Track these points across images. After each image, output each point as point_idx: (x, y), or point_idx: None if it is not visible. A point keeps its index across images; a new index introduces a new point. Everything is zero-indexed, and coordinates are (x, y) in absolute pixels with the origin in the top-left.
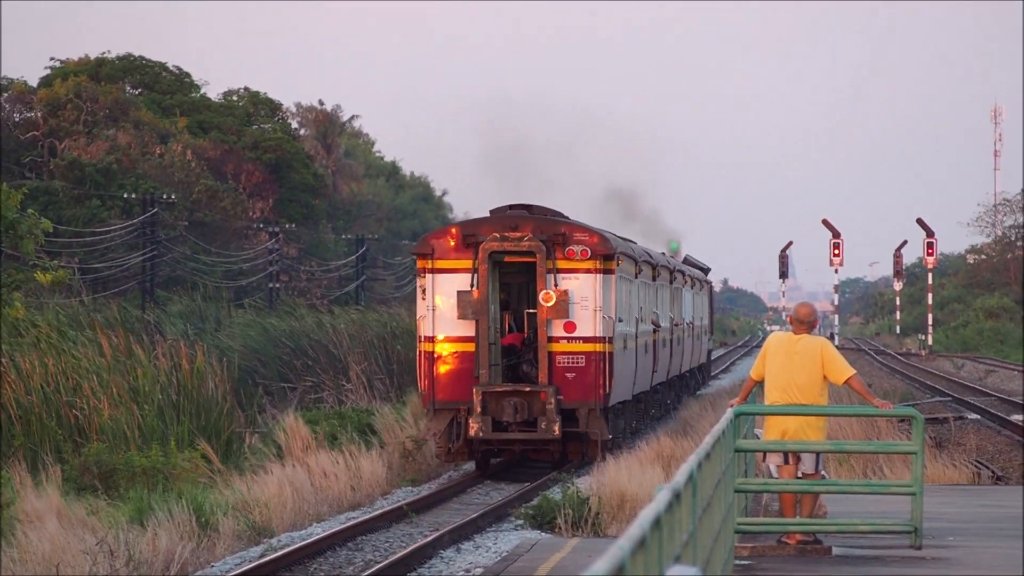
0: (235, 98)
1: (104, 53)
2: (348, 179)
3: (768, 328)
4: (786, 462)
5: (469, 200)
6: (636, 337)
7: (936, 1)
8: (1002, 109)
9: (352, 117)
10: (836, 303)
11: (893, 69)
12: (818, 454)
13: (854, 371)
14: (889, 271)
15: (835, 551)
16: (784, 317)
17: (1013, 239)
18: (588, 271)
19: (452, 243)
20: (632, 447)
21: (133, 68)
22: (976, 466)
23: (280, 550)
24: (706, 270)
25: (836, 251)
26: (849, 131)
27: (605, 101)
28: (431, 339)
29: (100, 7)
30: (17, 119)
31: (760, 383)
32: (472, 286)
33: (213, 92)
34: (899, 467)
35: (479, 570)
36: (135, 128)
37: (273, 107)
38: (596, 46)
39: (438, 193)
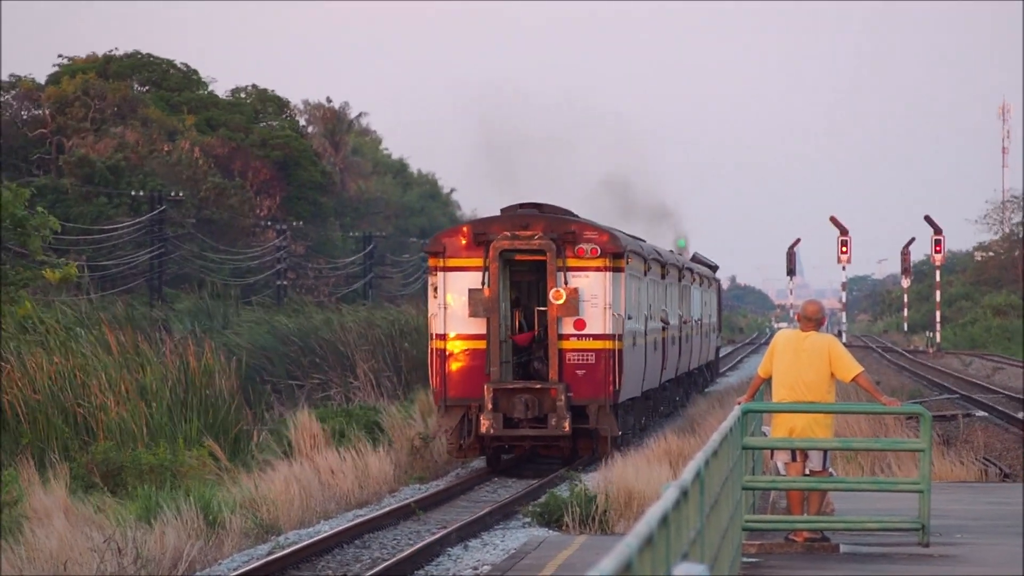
0: (243, 95)
1: (112, 50)
2: (356, 176)
3: (775, 326)
4: (794, 459)
5: (476, 197)
6: (645, 334)
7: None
8: (1010, 106)
9: (360, 114)
10: (844, 300)
11: (901, 65)
12: (826, 451)
13: (862, 369)
14: (897, 268)
15: (843, 548)
16: (792, 314)
17: (1021, 236)
18: (598, 269)
19: (463, 242)
20: (640, 444)
21: (141, 65)
22: (984, 463)
23: (288, 548)
24: (714, 267)
25: (844, 248)
26: (857, 127)
27: (605, 101)
28: (443, 336)
29: (108, 4)
30: (25, 116)
31: (768, 380)
32: (483, 284)
33: (221, 89)
34: (907, 464)
35: (487, 568)
36: (143, 125)
37: (281, 104)
38: (596, 46)
39: (446, 190)
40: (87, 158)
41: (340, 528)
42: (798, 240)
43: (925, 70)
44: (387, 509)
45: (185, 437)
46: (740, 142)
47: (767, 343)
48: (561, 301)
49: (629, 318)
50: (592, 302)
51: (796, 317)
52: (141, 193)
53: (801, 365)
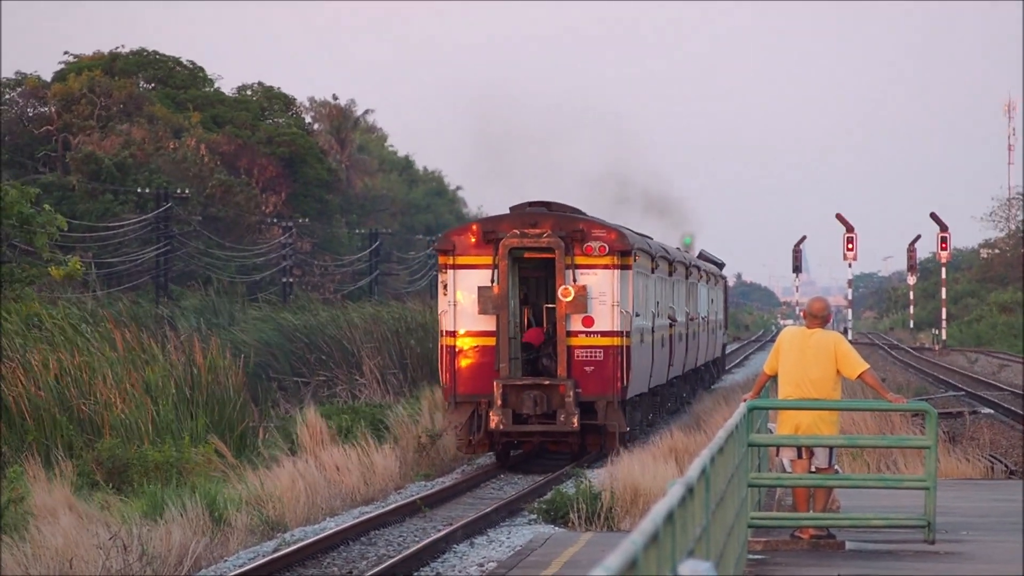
0: (249, 93)
1: (118, 48)
2: (362, 173)
3: (781, 323)
4: (799, 456)
5: (478, 194)
6: (653, 331)
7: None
8: (1015, 104)
9: (366, 112)
10: (850, 298)
11: (906, 62)
12: (831, 448)
13: (867, 366)
14: (903, 266)
15: (848, 545)
16: (798, 312)
17: None
18: (606, 267)
19: (473, 240)
20: (646, 441)
21: (147, 63)
22: (989, 460)
23: (293, 545)
24: (721, 265)
25: (850, 245)
26: (862, 125)
27: (605, 100)
28: (452, 333)
29: (114, 2)
30: (31, 114)
31: (773, 377)
32: (492, 282)
33: (227, 87)
34: (912, 462)
35: (492, 564)
36: (149, 123)
37: (287, 102)
38: (597, 46)
39: (452, 187)
40: (93, 155)
41: (346, 525)
42: (804, 237)
43: (931, 67)
44: (393, 506)
45: (191, 434)
46: (746, 140)
47: (773, 340)
48: (570, 298)
49: (637, 315)
50: (600, 299)
51: (802, 314)
52: (147, 190)
53: (807, 362)
